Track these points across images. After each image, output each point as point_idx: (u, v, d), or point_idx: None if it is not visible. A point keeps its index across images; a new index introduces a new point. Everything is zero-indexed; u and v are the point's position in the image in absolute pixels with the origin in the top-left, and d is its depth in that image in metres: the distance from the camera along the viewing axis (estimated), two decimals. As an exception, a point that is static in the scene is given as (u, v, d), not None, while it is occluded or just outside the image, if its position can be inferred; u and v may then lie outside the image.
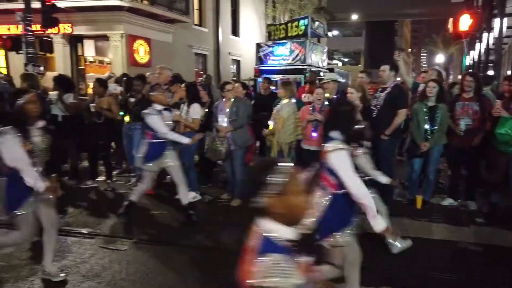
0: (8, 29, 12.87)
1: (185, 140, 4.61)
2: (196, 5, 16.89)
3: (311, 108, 4.99)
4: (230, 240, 4.04)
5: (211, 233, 4.32)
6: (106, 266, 3.52)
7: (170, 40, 14.72)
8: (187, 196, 4.71)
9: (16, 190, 2.89)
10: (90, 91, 9.91)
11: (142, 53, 13.48)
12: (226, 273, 3.37)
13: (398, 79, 5.54)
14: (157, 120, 4.41)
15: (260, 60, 13.92)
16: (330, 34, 30.80)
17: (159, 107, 4.50)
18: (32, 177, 2.84)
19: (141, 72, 6.94)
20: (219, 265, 3.49)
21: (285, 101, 5.26)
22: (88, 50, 14.14)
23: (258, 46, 14.23)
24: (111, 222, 4.63)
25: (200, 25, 17.22)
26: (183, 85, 5.58)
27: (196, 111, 5.15)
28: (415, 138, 4.99)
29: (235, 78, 17.97)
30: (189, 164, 5.30)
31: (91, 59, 14.36)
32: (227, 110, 5.11)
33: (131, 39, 12.98)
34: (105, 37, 13.16)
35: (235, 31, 19.99)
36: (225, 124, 5.10)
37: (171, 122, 4.77)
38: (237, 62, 20.37)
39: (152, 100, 4.58)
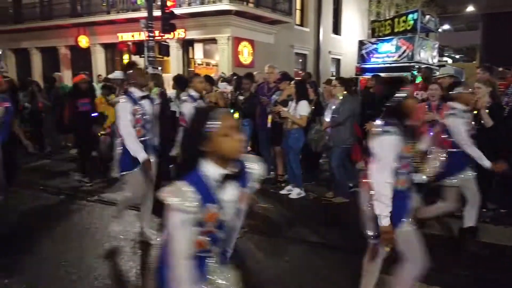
0: (132, 36, 14.54)
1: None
2: (298, 6, 17.02)
3: (427, 106, 4.65)
4: (336, 237, 3.99)
5: (317, 229, 4.31)
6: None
7: (272, 41, 15.07)
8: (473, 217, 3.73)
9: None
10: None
11: (246, 54, 14.05)
12: (334, 270, 3.34)
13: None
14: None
15: (362, 58, 13.45)
16: (440, 28, 28.31)
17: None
18: None
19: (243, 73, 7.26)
20: (326, 261, 3.47)
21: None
22: (198, 53, 15.25)
23: (361, 43, 13.77)
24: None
25: (301, 25, 17.31)
26: (292, 82, 5.67)
27: (304, 108, 5.19)
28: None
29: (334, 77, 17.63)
30: (295, 160, 5.35)
31: (199, 62, 15.45)
32: (333, 106, 5.13)
33: (236, 41, 13.62)
34: (213, 40, 14.03)
35: (336, 30, 19.64)
36: (327, 119, 5.14)
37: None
38: (337, 61, 19.98)
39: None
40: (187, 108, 4.46)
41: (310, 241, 4.03)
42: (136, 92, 3.53)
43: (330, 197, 5.33)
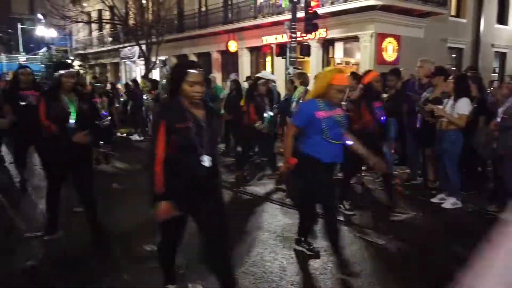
0: (276, 39, 15.17)
1: None
2: (454, -5, 15.24)
3: None
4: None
5: (475, 248, 3.71)
6: (366, 256, 3.54)
7: (421, 35, 13.82)
8: None
9: None
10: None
11: (390, 51, 13.23)
12: None
13: None
14: None
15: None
16: None
17: None
18: None
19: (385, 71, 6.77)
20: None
21: None
22: (338, 52, 15.01)
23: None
24: (362, 213, 4.67)
25: (457, 16, 15.44)
26: (450, 78, 5.05)
27: (464, 106, 4.55)
28: None
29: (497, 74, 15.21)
30: (452, 165, 4.73)
31: (339, 61, 15.19)
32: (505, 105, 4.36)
33: (380, 37, 12.93)
34: (354, 38, 13.61)
35: (502, 19, 16.89)
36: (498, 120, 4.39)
37: None
38: (502, 55, 17.17)
39: None
40: None
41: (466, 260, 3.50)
42: None
43: (494, 211, 4.55)
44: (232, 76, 10.34)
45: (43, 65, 22.90)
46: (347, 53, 15.15)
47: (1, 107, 5.09)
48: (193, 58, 20.31)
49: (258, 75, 7.32)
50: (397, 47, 13.32)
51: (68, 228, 3.99)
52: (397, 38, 13.26)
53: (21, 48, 34.86)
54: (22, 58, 31.71)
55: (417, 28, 13.71)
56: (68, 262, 3.42)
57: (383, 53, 13.08)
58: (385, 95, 6.06)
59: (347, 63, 15.34)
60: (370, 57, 12.91)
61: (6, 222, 4.38)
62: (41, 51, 31.48)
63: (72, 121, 3.48)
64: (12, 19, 38.31)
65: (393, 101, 5.77)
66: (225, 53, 18.17)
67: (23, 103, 4.94)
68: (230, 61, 18.39)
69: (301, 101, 6.26)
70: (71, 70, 3.61)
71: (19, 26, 35.01)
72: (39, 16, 30.34)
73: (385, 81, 6.26)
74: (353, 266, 3.25)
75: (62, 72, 3.46)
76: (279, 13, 14.85)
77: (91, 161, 3.92)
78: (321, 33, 13.49)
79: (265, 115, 5.92)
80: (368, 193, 5.66)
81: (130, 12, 18.65)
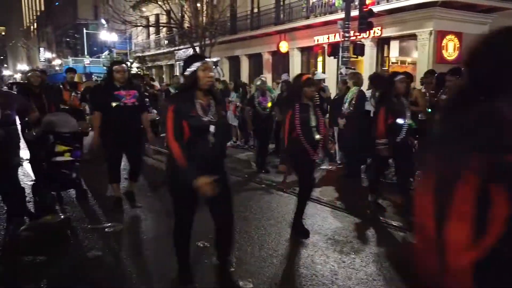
0: (328, 38, 14.96)
1: None
2: (525, -13, 14.06)
3: None
4: None
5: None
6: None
7: (486, 32, 12.93)
8: None
9: None
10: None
11: (451, 49, 12.54)
12: None
13: None
14: None
15: None
16: None
17: None
18: None
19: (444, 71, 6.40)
20: None
21: None
22: (393, 51, 14.48)
23: None
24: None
25: (527, 10, 14.23)
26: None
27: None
28: None
29: None
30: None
31: (394, 60, 14.65)
32: None
33: (439, 35, 12.30)
34: (411, 37, 13.06)
35: None
36: None
37: None
38: None
39: None
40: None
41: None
42: None
43: None
44: (284, 76, 10.36)
45: (105, 67, 24.43)
46: (403, 52, 14.58)
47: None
48: (245, 59, 20.60)
49: (314, 77, 7.30)
50: (459, 45, 12.58)
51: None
52: (458, 35, 12.53)
53: (85, 52, 37.44)
54: (86, 61, 34.05)
55: (481, 24, 12.84)
56: (130, 252, 3.63)
57: (443, 52, 12.43)
58: (444, 97, 5.76)
59: (402, 62, 14.76)
60: (429, 55, 12.32)
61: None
62: (103, 54, 33.56)
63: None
64: (78, 25, 41.27)
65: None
66: (276, 53, 18.23)
67: (117, 104, 4.38)
68: (280, 61, 18.43)
69: (353, 102, 6.13)
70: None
71: (85, 31, 37.63)
72: (102, 21, 32.36)
73: (444, 81, 5.96)
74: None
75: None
76: (331, 13, 14.63)
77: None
78: (376, 31, 13.10)
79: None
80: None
81: (186, 16, 19.33)
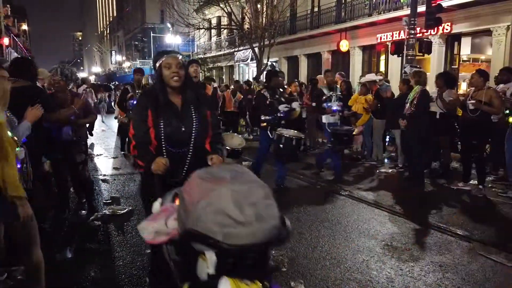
0: (392, 36, 14.32)
1: None
2: None
3: None
4: None
5: None
6: (489, 276, 3.13)
7: None
8: None
9: None
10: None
11: (530, 45, 11.38)
12: None
13: None
14: None
15: None
16: None
17: None
18: None
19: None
20: None
21: None
22: (464, 48, 13.50)
23: None
24: (486, 229, 4.15)
25: None
26: None
27: None
28: None
29: None
30: None
31: (465, 58, 13.65)
32: None
33: (518, 30, 11.23)
34: (486, 33, 12.07)
35: None
36: None
37: None
38: None
39: None
40: None
41: None
42: None
43: None
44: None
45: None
46: (475, 49, 13.52)
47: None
48: (303, 59, 20.42)
49: (361, 81, 7.11)
50: (540, 41, 11.38)
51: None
52: (540, 30, 11.33)
53: (152, 54, 39.53)
54: (153, 62, 35.85)
55: None
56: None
57: (521, 48, 11.32)
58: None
59: (475, 60, 13.70)
60: (505, 53, 11.29)
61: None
62: (168, 56, 35.06)
63: None
64: (146, 29, 43.69)
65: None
66: (335, 53, 17.85)
67: None
68: (340, 61, 18.01)
69: (415, 102, 5.78)
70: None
71: (152, 34, 39.75)
72: (168, 24, 33.94)
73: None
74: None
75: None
76: (396, 9, 13.99)
77: None
78: (445, 27, 12.29)
79: None
80: (493, 206, 5.01)
81: (246, 17, 19.60)
